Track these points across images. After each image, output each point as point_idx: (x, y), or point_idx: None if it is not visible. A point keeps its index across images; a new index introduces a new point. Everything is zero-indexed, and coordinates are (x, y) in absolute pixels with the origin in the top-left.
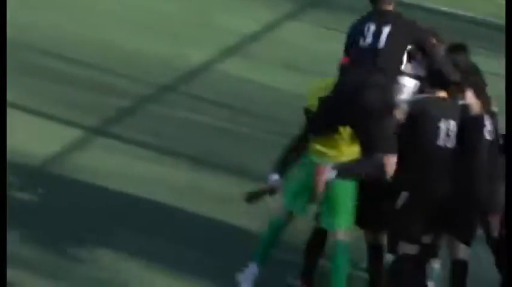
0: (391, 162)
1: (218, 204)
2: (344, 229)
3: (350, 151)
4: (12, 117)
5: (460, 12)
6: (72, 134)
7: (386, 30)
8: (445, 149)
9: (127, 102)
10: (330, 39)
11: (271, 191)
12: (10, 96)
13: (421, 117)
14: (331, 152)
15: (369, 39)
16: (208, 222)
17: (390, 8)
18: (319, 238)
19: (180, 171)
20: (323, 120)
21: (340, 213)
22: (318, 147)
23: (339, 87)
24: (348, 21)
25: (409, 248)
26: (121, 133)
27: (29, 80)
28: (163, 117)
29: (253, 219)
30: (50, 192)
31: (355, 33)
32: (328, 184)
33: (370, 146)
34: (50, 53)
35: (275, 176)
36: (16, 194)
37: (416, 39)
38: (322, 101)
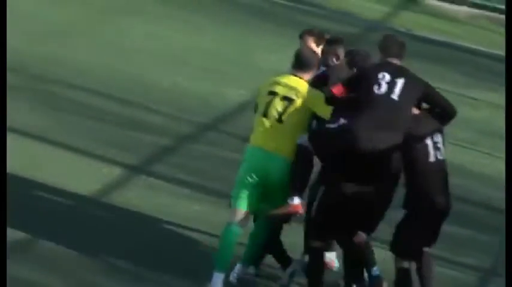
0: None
1: None
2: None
3: (290, 142)
4: (52, 152)
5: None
6: (112, 171)
7: (400, 82)
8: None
9: (167, 141)
10: None
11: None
12: (53, 132)
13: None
14: (272, 143)
15: (383, 89)
16: None
17: (399, 62)
18: None
19: (221, 209)
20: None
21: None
22: (261, 139)
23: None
24: None
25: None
26: (161, 172)
27: (69, 117)
28: (204, 156)
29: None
30: (89, 231)
31: (368, 78)
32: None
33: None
34: (88, 89)
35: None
36: (53, 233)
37: (425, 95)
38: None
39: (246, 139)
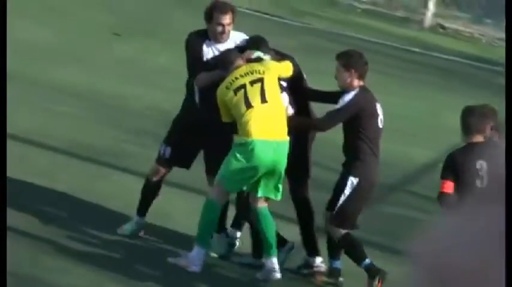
0: None
1: None
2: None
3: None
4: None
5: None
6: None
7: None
8: None
9: None
10: None
11: None
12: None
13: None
14: (275, 129)
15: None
16: None
17: (481, 138)
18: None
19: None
20: None
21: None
22: (263, 129)
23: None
24: None
25: None
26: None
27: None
28: (389, 216)
29: None
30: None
31: (464, 169)
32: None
33: None
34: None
35: None
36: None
37: None
38: None
39: (431, 199)
